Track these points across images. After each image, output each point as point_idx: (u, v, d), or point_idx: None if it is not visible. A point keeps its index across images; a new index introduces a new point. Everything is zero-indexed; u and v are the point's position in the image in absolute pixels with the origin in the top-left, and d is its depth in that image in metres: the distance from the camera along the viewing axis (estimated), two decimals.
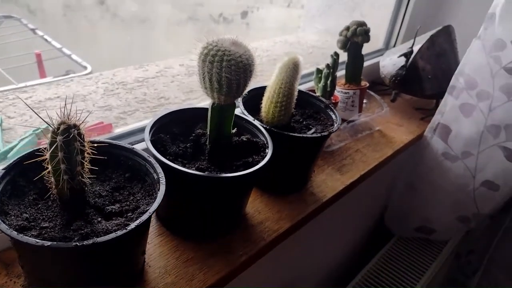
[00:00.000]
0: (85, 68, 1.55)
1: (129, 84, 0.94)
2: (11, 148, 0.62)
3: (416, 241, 1.33)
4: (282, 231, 0.68)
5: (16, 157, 0.50)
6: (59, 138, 0.43)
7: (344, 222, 1.19)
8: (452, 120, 1.02)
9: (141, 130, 0.73)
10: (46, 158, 0.45)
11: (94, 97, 0.86)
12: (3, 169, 0.48)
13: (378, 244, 1.35)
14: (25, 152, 0.51)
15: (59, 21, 2.10)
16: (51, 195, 0.49)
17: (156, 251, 0.60)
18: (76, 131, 0.44)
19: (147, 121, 0.76)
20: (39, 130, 0.68)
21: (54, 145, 0.43)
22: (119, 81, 0.94)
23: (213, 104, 0.58)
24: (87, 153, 0.46)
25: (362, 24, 0.97)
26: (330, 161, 0.89)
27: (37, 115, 0.44)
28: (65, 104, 0.45)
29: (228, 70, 0.52)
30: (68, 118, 0.44)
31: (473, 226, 1.17)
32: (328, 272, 1.33)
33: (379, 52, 1.39)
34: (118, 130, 0.72)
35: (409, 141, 1.05)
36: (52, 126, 0.44)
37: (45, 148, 0.45)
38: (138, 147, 0.60)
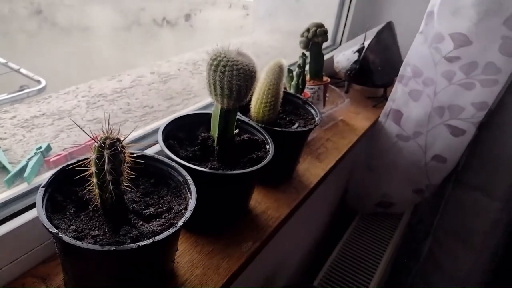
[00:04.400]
0: (39, 82, 1.50)
1: (108, 95, 0.95)
2: (23, 168, 0.63)
3: (377, 217, 1.47)
4: (283, 216, 0.76)
5: (51, 175, 0.53)
6: (106, 152, 0.47)
7: (317, 206, 1.30)
8: (403, 105, 1.16)
9: (141, 138, 0.77)
10: (91, 171, 0.49)
11: (80, 111, 0.87)
12: (42, 187, 0.51)
13: (344, 223, 1.48)
14: (58, 169, 0.54)
15: None
16: (91, 206, 0.52)
17: (180, 248, 0.65)
18: (120, 144, 0.48)
19: (143, 130, 0.80)
20: (43, 148, 0.69)
21: (102, 159, 0.47)
22: (97, 93, 0.96)
23: (222, 108, 0.64)
24: (127, 163, 0.50)
25: (320, 25, 1.06)
26: (308, 151, 0.98)
27: (87, 133, 0.47)
28: (108, 120, 0.49)
29: (238, 78, 0.59)
30: (111, 133, 0.48)
31: (426, 196, 1.33)
32: (304, 255, 1.43)
33: (328, 49, 1.51)
34: None
35: (368, 127, 1.18)
36: (98, 141, 0.48)
37: (89, 162, 0.49)
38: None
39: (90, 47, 2.08)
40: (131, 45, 2.22)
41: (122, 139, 0.49)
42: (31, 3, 2.00)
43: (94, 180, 0.49)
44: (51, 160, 0.67)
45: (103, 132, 0.48)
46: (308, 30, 1.07)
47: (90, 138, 0.48)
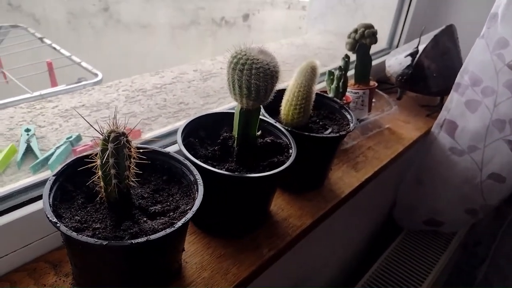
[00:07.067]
0: (96, 75, 1.58)
1: (148, 90, 0.97)
2: (50, 156, 0.66)
3: (425, 234, 1.37)
4: (305, 226, 0.72)
5: (63, 164, 0.54)
6: (110, 145, 0.47)
7: (357, 218, 1.23)
8: (458, 116, 1.06)
9: (167, 134, 0.77)
10: (96, 164, 0.49)
11: (118, 105, 0.89)
12: (53, 176, 0.52)
13: (388, 239, 1.39)
14: (71, 159, 0.55)
15: (63, 28, 2.13)
16: (99, 198, 0.52)
17: (191, 248, 0.64)
18: (125, 139, 0.47)
19: (172, 126, 0.80)
20: (72, 138, 0.71)
21: (106, 152, 0.47)
22: (138, 88, 0.98)
23: (241, 108, 0.61)
24: (133, 158, 0.50)
25: (369, 26, 1.00)
26: (345, 159, 0.93)
27: (92, 127, 0.47)
28: (115, 114, 0.48)
29: (257, 77, 0.56)
30: (117, 127, 0.48)
31: (481, 218, 1.21)
32: (342, 267, 1.37)
33: (383, 52, 1.43)
34: (146, 136, 0.76)
35: (417, 138, 1.09)
36: (103, 134, 0.47)
37: (95, 154, 0.49)
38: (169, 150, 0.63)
39: (150, 44, 2.16)
40: (188, 44, 2.27)
41: (127, 133, 0.48)
42: (100, 0, 2.12)
43: (99, 172, 0.49)
44: (78, 150, 0.69)
45: (109, 125, 0.48)
46: (355, 31, 1.02)
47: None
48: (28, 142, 0.70)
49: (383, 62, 1.29)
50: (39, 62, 1.61)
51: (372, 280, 1.22)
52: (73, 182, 0.54)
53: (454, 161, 1.11)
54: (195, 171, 0.57)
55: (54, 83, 1.63)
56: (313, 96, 0.75)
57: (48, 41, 1.80)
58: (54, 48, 1.76)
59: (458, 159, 1.11)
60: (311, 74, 0.72)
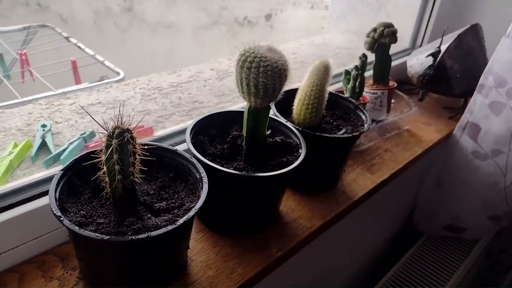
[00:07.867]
0: (118, 74, 1.62)
1: (164, 89, 0.98)
2: (62, 151, 0.67)
3: (446, 240, 1.32)
4: (315, 228, 0.71)
5: (72, 159, 0.55)
6: (114, 141, 0.47)
7: (373, 221, 1.20)
8: (481, 119, 1.02)
9: (179, 132, 0.77)
10: (101, 160, 0.49)
11: (133, 102, 0.90)
12: (61, 170, 0.53)
13: (406, 243, 1.35)
14: (79, 155, 0.55)
15: (89, 28, 2.18)
16: (105, 194, 0.53)
17: (197, 246, 0.64)
18: (129, 135, 0.48)
19: (184, 124, 0.80)
20: (86, 134, 0.72)
21: (110, 148, 0.47)
22: (154, 86, 0.99)
23: (250, 107, 0.61)
24: (138, 154, 0.50)
25: (389, 25, 0.98)
26: (360, 160, 0.91)
27: (97, 122, 0.48)
28: (120, 110, 0.49)
29: (265, 75, 0.55)
30: (121, 123, 0.48)
31: (504, 225, 1.16)
32: (357, 271, 1.34)
33: (405, 52, 1.39)
34: (158, 133, 0.76)
35: (438, 140, 1.06)
36: (108, 130, 0.48)
37: (100, 150, 0.49)
38: (178, 148, 0.63)
39: (173, 43, 2.19)
40: (211, 43, 2.28)
41: (132, 129, 0.49)
42: (124, 0, 2.16)
43: (104, 168, 0.50)
44: (90, 146, 0.70)
45: (114, 121, 0.48)
46: (375, 30, 0.99)
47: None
48: (43, 137, 0.72)
49: (405, 62, 1.25)
50: (64, 61, 1.66)
51: (388, 286, 1.19)
52: (80, 177, 0.55)
53: (476, 165, 1.07)
54: (201, 169, 0.57)
55: (77, 81, 1.67)
56: (326, 95, 0.73)
57: (73, 40, 1.84)
58: (79, 47, 1.81)
59: (480, 164, 1.07)
60: (324, 73, 0.71)
